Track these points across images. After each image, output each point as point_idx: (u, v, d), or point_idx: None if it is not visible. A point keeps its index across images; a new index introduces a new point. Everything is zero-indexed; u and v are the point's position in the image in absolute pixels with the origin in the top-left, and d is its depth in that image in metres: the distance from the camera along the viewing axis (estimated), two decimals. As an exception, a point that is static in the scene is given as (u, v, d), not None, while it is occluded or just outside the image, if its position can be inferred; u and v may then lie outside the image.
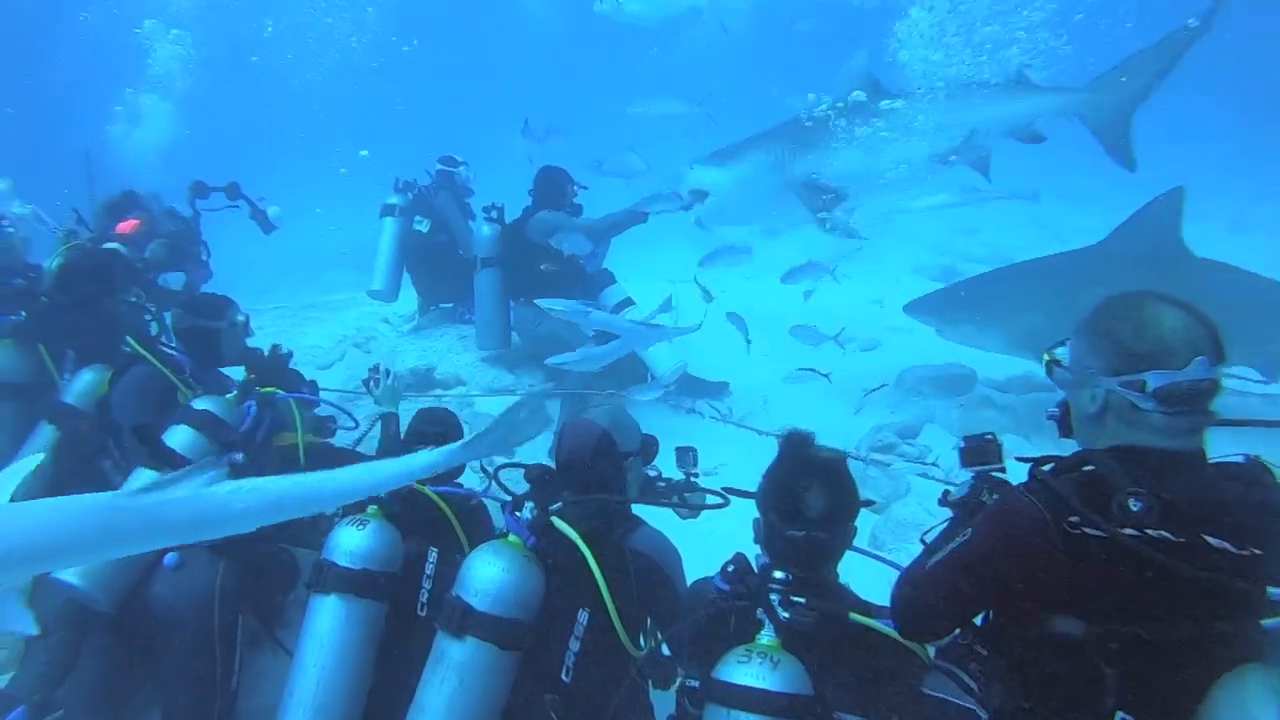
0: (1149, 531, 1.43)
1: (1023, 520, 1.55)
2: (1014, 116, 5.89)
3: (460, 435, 3.04)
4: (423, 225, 6.84)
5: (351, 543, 2.48)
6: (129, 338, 3.35)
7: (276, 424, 3.17)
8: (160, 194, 5.51)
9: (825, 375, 5.56)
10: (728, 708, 1.78)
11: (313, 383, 3.51)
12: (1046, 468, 1.63)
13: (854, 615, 1.89)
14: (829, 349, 6.06)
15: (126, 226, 4.84)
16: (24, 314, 3.80)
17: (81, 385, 3.36)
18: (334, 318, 8.30)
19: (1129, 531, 1.44)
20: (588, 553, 2.25)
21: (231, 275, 6.25)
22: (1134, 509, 1.44)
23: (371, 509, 2.59)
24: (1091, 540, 1.48)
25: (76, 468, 3.17)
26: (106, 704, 2.89)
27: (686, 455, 2.71)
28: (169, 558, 2.77)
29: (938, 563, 1.70)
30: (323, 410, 3.61)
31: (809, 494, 1.99)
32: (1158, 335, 1.55)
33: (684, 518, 2.66)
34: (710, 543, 2.45)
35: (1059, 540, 1.50)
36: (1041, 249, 7.25)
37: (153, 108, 10.21)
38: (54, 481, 3.15)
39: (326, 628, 2.42)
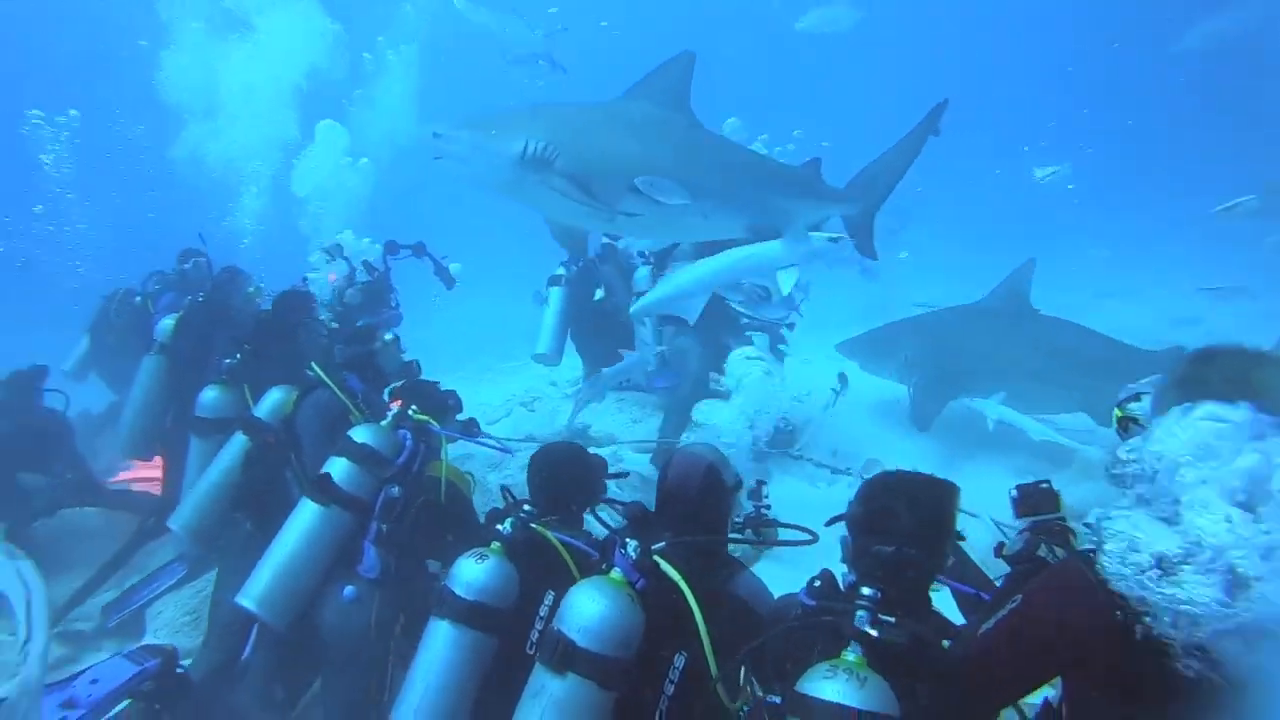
0: None
1: (1071, 590, 1.46)
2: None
3: (592, 480, 2.98)
4: (599, 295, 7.28)
5: (469, 575, 2.55)
6: (313, 364, 3.79)
7: (430, 452, 3.38)
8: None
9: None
10: None
11: (452, 392, 3.70)
12: None
13: (947, 642, 1.76)
14: None
15: (331, 275, 5.55)
16: (239, 357, 4.32)
17: (270, 403, 3.80)
18: (507, 380, 8.93)
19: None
20: (690, 596, 2.21)
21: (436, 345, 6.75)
22: None
23: (494, 545, 2.64)
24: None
25: (263, 475, 3.58)
26: (272, 707, 3.24)
27: (757, 489, 2.68)
28: (348, 590, 3.06)
29: (989, 630, 1.62)
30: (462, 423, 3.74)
31: (901, 510, 1.94)
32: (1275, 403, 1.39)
33: (756, 549, 2.58)
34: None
35: (1110, 612, 1.38)
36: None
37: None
38: (244, 484, 3.61)
39: (437, 650, 2.52)
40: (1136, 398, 1.61)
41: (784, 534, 2.53)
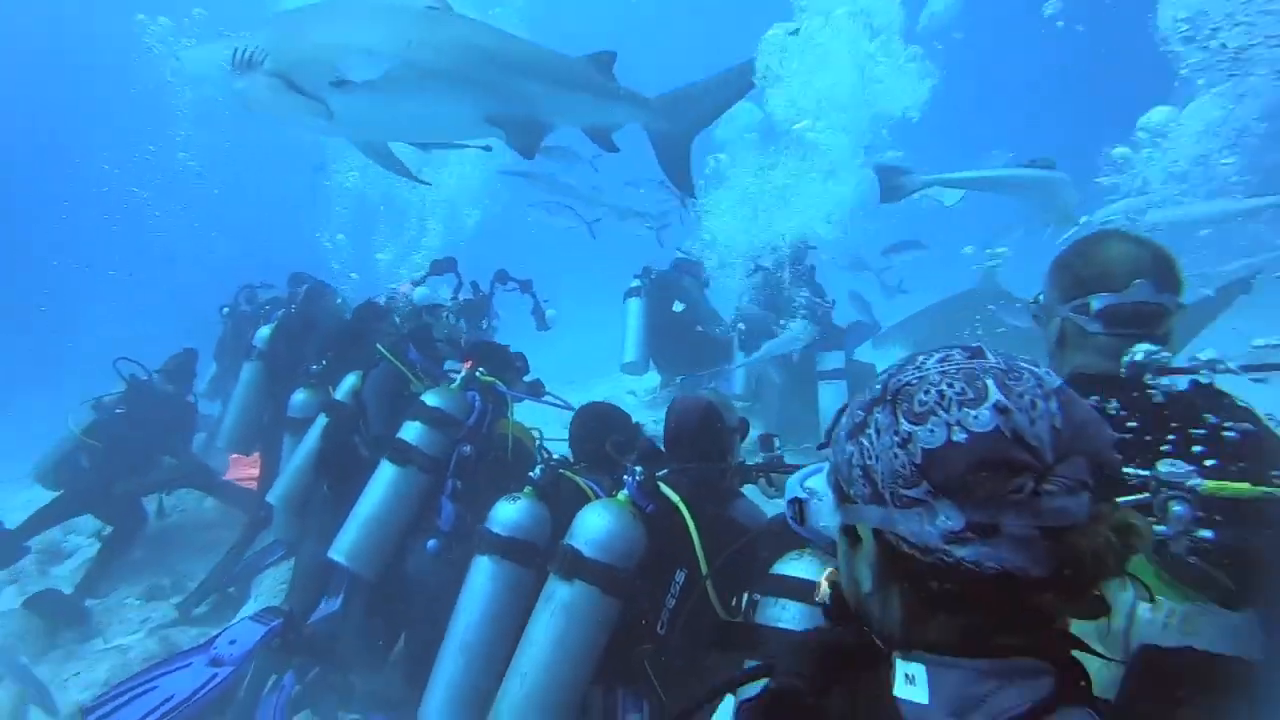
0: None
1: None
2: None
3: (621, 425, 3.17)
4: (679, 306, 7.50)
5: (505, 515, 2.77)
6: (379, 345, 4.17)
7: (498, 411, 3.63)
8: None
9: None
10: (777, 597, 1.86)
11: (519, 354, 3.96)
12: None
13: None
14: None
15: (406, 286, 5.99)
16: (324, 363, 4.70)
17: (346, 386, 4.20)
18: (589, 390, 9.20)
19: None
20: (688, 516, 2.38)
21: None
22: None
23: (526, 489, 2.85)
24: None
25: (337, 443, 3.95)
26: (370, 654, 3.51)
27: (769, 440, 2.77)
28: (431, 543, 3.33)
29: None
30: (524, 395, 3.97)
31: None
32: (1102, 261, 1.66)
33: (770, 497, 2.66)
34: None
35: None
36: None
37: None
38: (321, 452, 3.99)
39: (480, 583, 2.73)
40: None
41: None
